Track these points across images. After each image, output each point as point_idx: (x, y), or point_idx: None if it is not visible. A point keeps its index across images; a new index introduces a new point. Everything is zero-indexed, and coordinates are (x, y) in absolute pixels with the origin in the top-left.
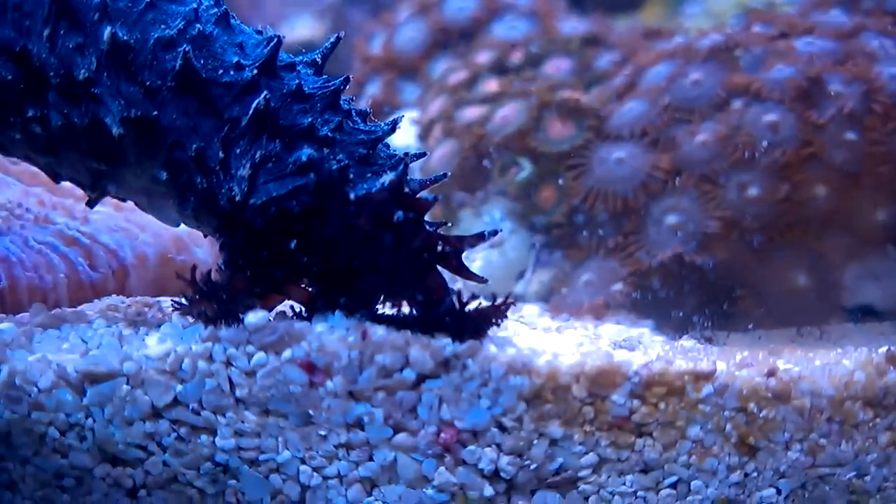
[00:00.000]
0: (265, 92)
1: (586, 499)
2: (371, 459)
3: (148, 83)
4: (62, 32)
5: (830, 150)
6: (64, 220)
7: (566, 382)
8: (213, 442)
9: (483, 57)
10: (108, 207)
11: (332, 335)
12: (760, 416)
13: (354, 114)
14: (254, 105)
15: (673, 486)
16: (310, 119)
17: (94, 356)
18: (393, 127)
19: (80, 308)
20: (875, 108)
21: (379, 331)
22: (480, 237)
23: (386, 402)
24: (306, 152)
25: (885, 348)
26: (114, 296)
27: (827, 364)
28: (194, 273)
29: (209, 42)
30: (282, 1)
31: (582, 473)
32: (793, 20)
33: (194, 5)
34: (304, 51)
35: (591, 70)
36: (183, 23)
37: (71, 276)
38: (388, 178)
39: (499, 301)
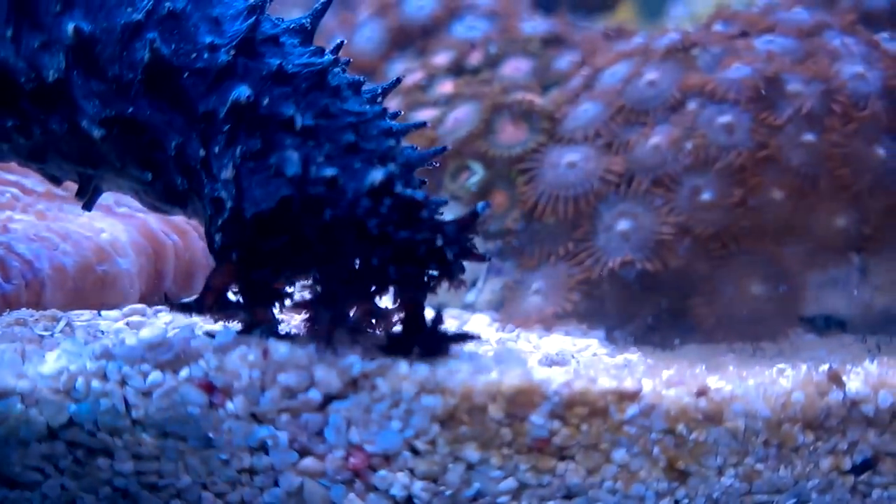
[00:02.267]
0: (244, 87)
1: None
2: (276, 485)
3: (119, 77)
4: (25, 31)
5: (787, 153)
6: None
7: (482, 402)
8: (111, 465)
9: (440, 58)
10: (31, 216)
11: (231, 353)
12: (690, 438)
13: (345, 88)
14: (230, 100)
15: None
16: (292, 109)
17: None
18: (383, 110)
19: None
20: (834, 108)
21: (281, 349)
22: (474, 216)
23: (291, 425)
24: (288, 156)
25: (825, 366)
26: (24, 309)
27: (762, 383)
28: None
29: (181, 21)
30: None
31: (500, 500)
32: (754, 18)
33: None
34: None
35: (550, 71)
36: (150, 2)
37: None
38: (375, 177)
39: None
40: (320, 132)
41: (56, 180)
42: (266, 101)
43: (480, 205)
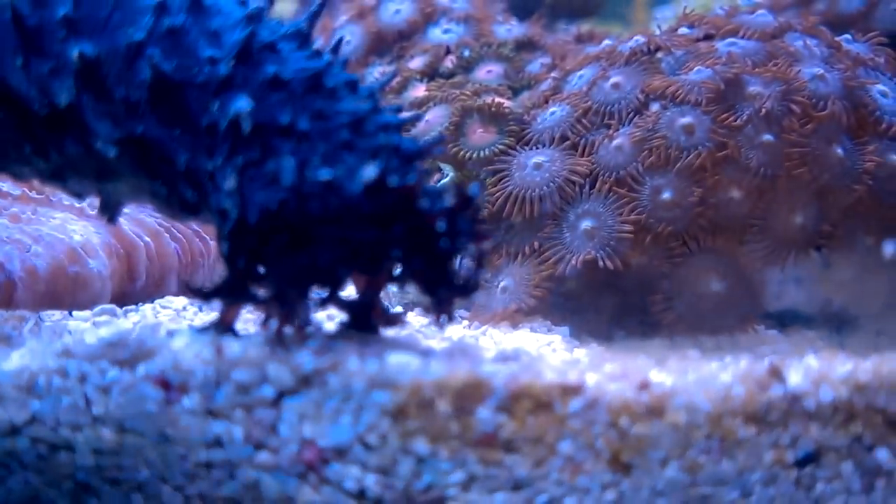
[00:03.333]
0: (245, 98)
1: None
2: (233, 478)
3: (127, 97)
4: (33, 58)
5: (746, 153)
6: None
7: (430, 397)
8: (74, 460)
9: (416, 62)
10: (4, 219)
11: (186, 351)
12: (633, 431)
13: (341, 87)
14: (232, 112)
15: (545, 503)
16: (289, 115)
17: None
18: (375, 106)
19: None
20: (793, 109)
21: (234, 346)
22: (466, 200)
23: (245, 420)
24: (284, 162)
25: (765, 361)
26: None
27: (703, 377)
28: None
29: (180, 36)
30: None
31: (451, 492)
32: (719, 21)
33: None
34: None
35: (522, 74)
36: (151, 19)
37: None
38: (369, 173)
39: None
40: (316, 134)
41: (79, 196)
42: (264, 109)
43: (473, 187)
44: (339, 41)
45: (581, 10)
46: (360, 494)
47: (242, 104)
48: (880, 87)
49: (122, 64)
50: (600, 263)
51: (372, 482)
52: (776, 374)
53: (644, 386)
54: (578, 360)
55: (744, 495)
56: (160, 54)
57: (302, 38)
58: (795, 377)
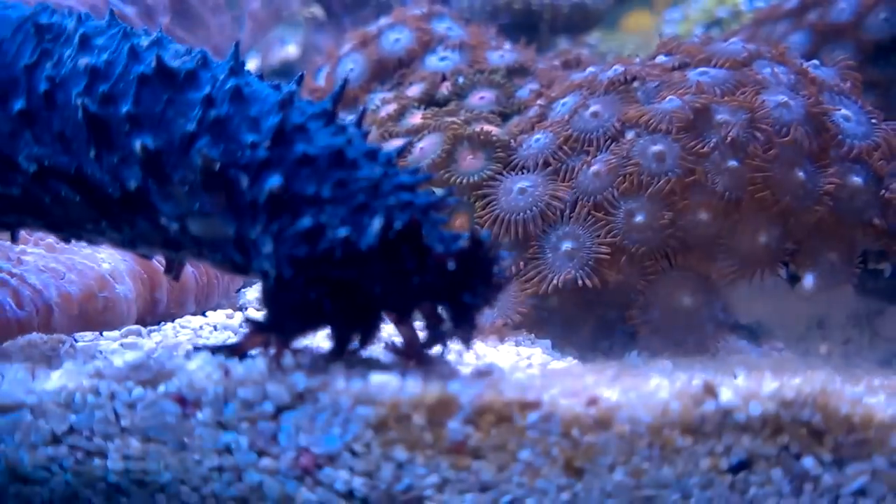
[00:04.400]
0: (278, 176)
1: None
2: (241, 480)
3: (184, 179)
4: (104, 150)
5: (713, 178)
6: None
7: (407, 412)
8: (105, 464)
9: (413, 90)
10: (41, 249)
11: (199, 372)
12: (584, 441)
13: (360, 158)
14: (267, 189)
15: (509, 503)
16: (314, 188)
17: (4, 390)
18: (390, 170)
19: (4, 345)
20: (757, 136)
21: (239, 369)
22: (476, 244)
23: (250, 431)
24: (306, 222)
25: (698, 380)
26: (34, 333)
27: (644, 393)
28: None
29: (225, 124)
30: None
31: (427, 493)
32: (693, 49)
33: (208, 89)
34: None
35: (513, 100)
36: (200, 112)
37: None
38: (374, 226)
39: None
40: (337, 200)
41: (147, 258)
42: (295, 183)
43: (485, 233)
44: (363, 113)
45: (580, 25)
46: (349, 494)
47: (275, 182)
48: (844, 111)
49: (178, 152)
50: (579, 282)
51: (359, 484)
52: (710, 390)
53: (593, 402)
54: (541, 375)
55: (684, 497)
56: (209, 142)
57: (328, 116)
58: (727, 393)
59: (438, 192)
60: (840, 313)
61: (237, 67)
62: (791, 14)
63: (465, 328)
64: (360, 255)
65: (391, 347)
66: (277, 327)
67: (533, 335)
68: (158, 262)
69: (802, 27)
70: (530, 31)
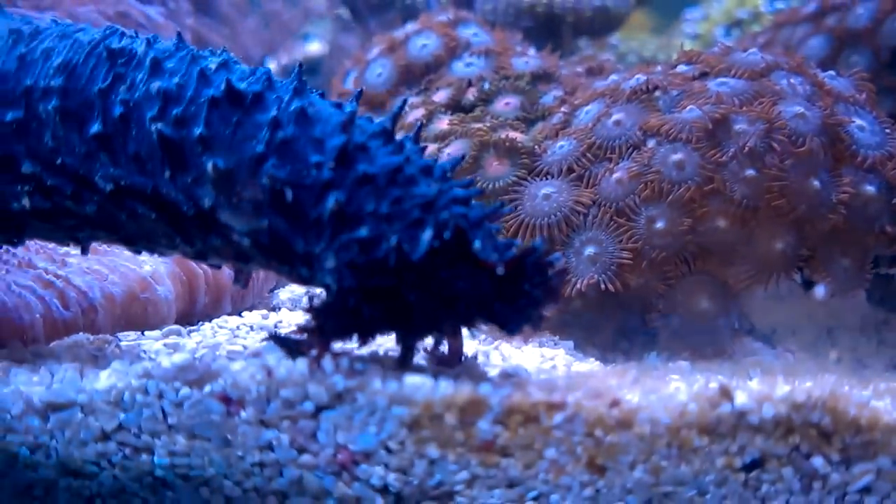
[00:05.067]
0: (337, 195)
1: None
2: (281, 476)
3: (254, 198)
4: (178, 171)
5: (731, 186)
6: (44, 263)
7: (440, 412)
8: (152, 460)
9: (440, 95)
10: None
11: (243, 373)
12: (606, 440)
13: (417, 174)
14: (329, 208)
15: (535, 499)
16: (374, 204)
17: (55, 389)
18: (445, 184)
19: (52, 345)
20: (774, 146)
21: (282, 370)
22: (527, 253)
23: (291, 429)
24: (363, 231)
25: (715, 384)
26: (80, 333)
27: (663, 396)
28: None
29: (291, 145)
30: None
31: (457, 488)
32: (713, 60)
33: (274, 111)
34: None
35: (537, 106)
36: (267, 133)
37: (46, 316)
38: (425, 236)
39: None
40: (394, 216)
41: (217, 267)
42: (355, 201)
43: (537, 242)
44: (420, 127)
45: (603, 28)
46: (384, 489)
47: (337, 200)
48: (858, 121)
49: (248, 172)
50: (602, 286)
51: (393, 479)
52: (726, 394)
53: (615, 403)
54: (566, 377)
55: (700, 494)
56: (276, 162)
57: (387, 135)
58: (742, 396)
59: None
60: (852, 319)
61: (300, 87)
62: (810, 18)
63: (518, 329)
64: (412, 264)
65: (434, 357)
66: (335, 333)
67: (556, 337)
68: (196, 263)
69: (821, 32)
70: (553, 34)
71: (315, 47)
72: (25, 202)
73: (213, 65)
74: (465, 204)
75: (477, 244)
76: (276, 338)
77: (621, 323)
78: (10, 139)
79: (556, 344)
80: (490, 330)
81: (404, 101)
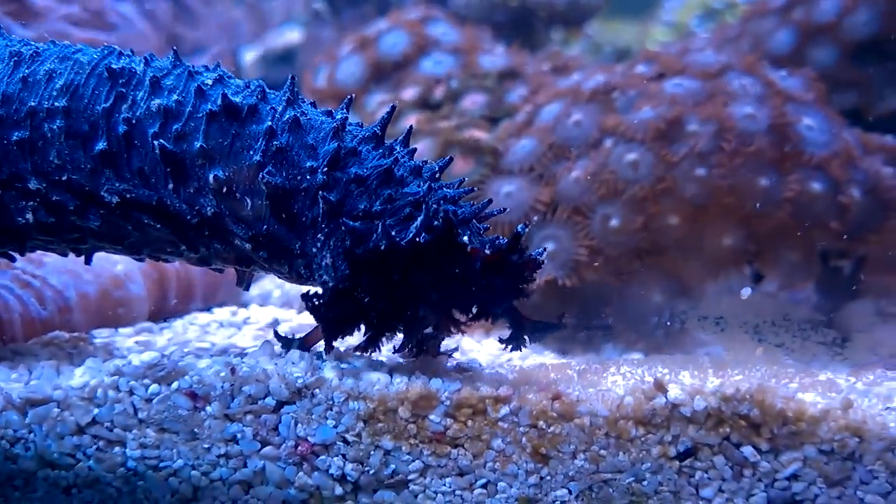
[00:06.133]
0: (331, 195)
1: (416, 496)
2: (245, 466)
3: (254, 204)
4: (181, 183)
5: (682, 185)
6: (21, 264)
7: (393, 406)
8: (125, 452)
9: (409, 92)
10: None
11: (208, 370)
12: (549, 431)
13: (407, 175)
14: (321, 207)
15: (483, 486)
16: (366, 203)
17: (33, 385)
18: (434, 183)
19: (30, 343)
20: (723, 147)
21: (244, 367)
22: (516, 238)
23: (254, 423)
24: (357, 224)
25: (650, 378)
26: (57, 331)
27: (601, 390)
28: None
29: (287, 153)
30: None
31: (411, 476)
32: (670, 60)
33: (269, 122)
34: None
35: (503, 104)
36: (263, 143)
37: (24, 315)
38: (415, 223)
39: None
40: (386, 213)
41: (219, 271)
42: (348, 201)
43: (520, 227)
44: (409, 130)
45: (575, 20)
46: (342, 478)
47: (331, 201)
48: (807, 121)
49: (246, 180)
50: (560, 282)
51: (350, 469)
52: (660, 387)
53: (557, 397)
54: (513, 372)
55: (637, 481)
56: (273, 170)
57: (376, 139)
58: (675, 390)
59: None
60: (801, 309)
61: (293, 98)
62: (778, 11)
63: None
64: (402, 249)
65: (416, 345)
66: (332, 326)
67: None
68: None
69: (788, 25)
70: (526, 27)
71: (293, 35)
72: (29, 217)
73: (209, 80)
74: (453, 203)
75: (464, 238)
76: (279, 336)
77: (578, 316)
78: (17, 158)
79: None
80: (469, 320)
81: (393, 108)
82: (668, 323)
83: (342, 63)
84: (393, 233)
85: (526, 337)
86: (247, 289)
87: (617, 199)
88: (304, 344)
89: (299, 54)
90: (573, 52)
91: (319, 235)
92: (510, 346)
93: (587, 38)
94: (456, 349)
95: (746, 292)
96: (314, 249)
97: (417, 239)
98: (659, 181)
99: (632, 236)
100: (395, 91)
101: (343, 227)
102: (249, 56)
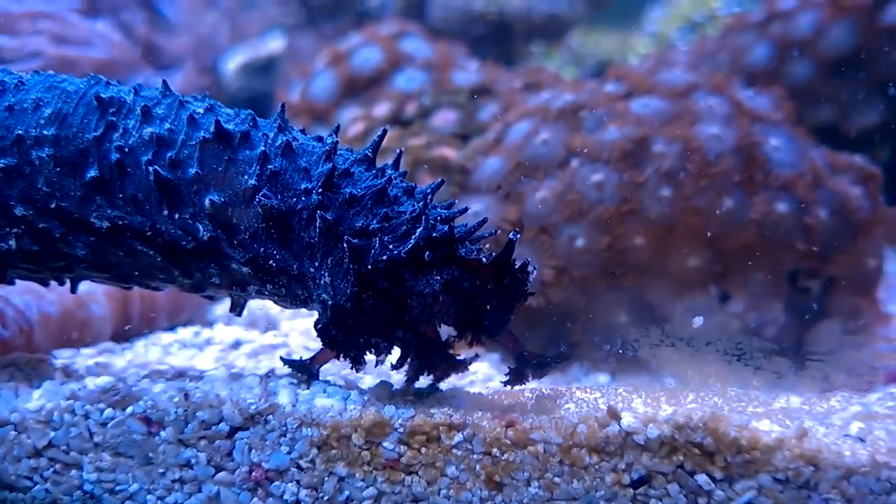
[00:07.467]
0: (328, 214)
1: None
2: (200, 491)
3: (250, 228)
4: (175, 209)
5: (647, 205)
6: None
7: (347, 433)
8: (81, 475)
9: (380, 109)
10: None
11: (162, 395)
12: (503, 458)
13: (401, 195)
14: (317, 226)
15: None
16: (363, 221)
17: None
18: (427, 204)
19: None
20: (689, 167)
21: (198, 393)
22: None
23: (208, 448)
24: (356, 241)
25: (604, 405)
26: (17, 353)
27: (554, 417)
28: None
29: (281, 176)
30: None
31: (365, 503)
32: (639, 78)
33: (262, 147)
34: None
35: (474, 121)
36: (258, 167)
37: None
38: (415, 236)
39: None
40: (383, 231)
41: (211, 299)
42: (344, 221)
43: (512, 234)
44: (399, 154)
45: (554, 33)
46: None
47: (327, 220)
48: (774, 141)
49: (242, 204)
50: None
51: (304, 496)
52: (613, 415)
53: (510, 424)
54: (466, 399)
55: None
56: (268, 193)
57: (368, 161)
58: (628, 418)
59: None
60: (769, 329)
61: (283, 125)
62: (757, 26)
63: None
64: (401, 262)
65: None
66: (341, 345)
67: (483, 349)
68: None
69: (766, 39)
70: (505, 40)
71: (276, 44)
72: (12, 243)
73: (200, 109)
74: (447, 223)
75: (462, 252)
76: (285, 360)
77: (545, 336)
78: (2, 184)
79: (479, 358)
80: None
81: (384, 132)
82: (635, 343)
83: (316, 78)
84: (391, 247)
85: (528, 372)
86: (239, 314)
87: (582, 220)
88: (312, 365)
89: (280, 65)
90: (554, 64)
91: (317, 255)
92: (512, 383)
93: (569, 50)
94: (476, 356)
95: (699, 321)
96: (311, 269)
97: (420, 243)
98: (624, 202)
99: (597, 257)
100: (368, 106)
101: (343, 245)
102: (232, 65)
